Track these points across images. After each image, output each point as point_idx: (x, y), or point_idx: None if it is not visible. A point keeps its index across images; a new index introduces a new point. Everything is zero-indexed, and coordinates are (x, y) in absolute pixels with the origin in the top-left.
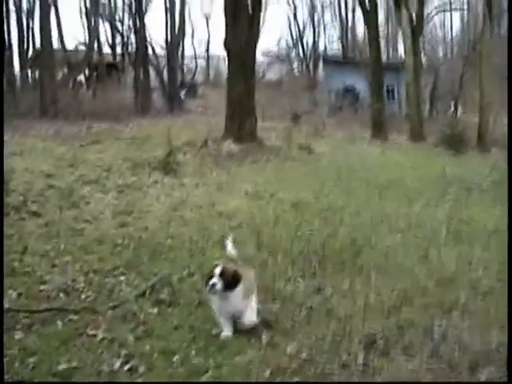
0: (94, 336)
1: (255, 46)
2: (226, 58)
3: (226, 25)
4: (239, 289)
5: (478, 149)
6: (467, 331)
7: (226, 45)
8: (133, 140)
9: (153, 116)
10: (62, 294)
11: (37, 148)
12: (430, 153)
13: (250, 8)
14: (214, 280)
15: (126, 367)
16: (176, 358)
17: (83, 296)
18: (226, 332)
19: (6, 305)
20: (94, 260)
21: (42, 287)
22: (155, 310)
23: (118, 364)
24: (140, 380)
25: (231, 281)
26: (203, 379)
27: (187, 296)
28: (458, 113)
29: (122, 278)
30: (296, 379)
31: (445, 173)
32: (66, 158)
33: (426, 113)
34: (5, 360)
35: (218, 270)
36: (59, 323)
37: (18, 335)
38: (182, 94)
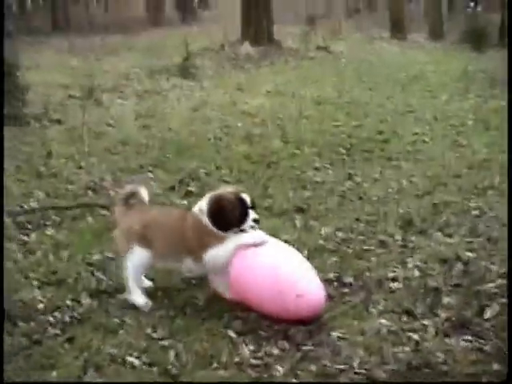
0: None
1: None
2: None
3: None
4: None
5: (501, 46)
6: (503, 210)
7: None
8: (148, 49)
9: (166, 27)
10: (90, 192)
11: (52, 61)
12: (450, 50)
13: None
14: (255, 215)
15: None
16: None
17: (111, 193)
18: None
19: (34, 204)
20: (119, 160)
21: (69, 187)
22: (185, 202)
23: None
24: None
25: None
26: None
27: (216, 188)
28: (478, 9)
29: (150, 174)
30: (334, 258)
31: (466, 68)
32: (82, 69)
33: (445, 11)
34: (37, 254)
35: (248, 198)
36: (90, 219)
37: (49, 231)
38: (195, 3)
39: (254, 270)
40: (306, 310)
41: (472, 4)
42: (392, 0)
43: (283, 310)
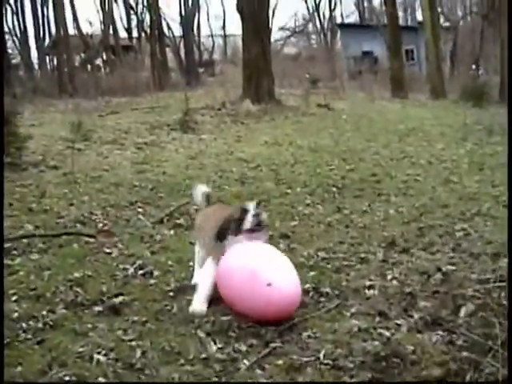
0: (110, 253)
1: (267, 6)
2: (240, 20)
3: None
4: None
5: (501, 103)
6: (488, 231)
7: (239, 6)
8: (151, 109)
9: (171, 90)
10: (78, 225)
11: (56, 119)
12: (450, 106)
13: None
14: (259, 211)
15: (141, 272)
16: (191, 264)
17: (100, 225)
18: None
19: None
20: (111, 198)
21: (58, 220)
22: (172, 232)
23: (132, 270)
24: (153, 281)
25: None
26: None
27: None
28: (480, 72)
29: (140, 210)
30: (313, 273)
31: (465, 121)
32: (84, 125)
33: (447, 73)
34: (21, 274)
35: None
36: (75, 245)
37: (34, 256)
38: (200, 70)
39: (233, 269)
40: (277, 299)
41: (474, 66)
42: (392, 61)
43: (255, 301)
